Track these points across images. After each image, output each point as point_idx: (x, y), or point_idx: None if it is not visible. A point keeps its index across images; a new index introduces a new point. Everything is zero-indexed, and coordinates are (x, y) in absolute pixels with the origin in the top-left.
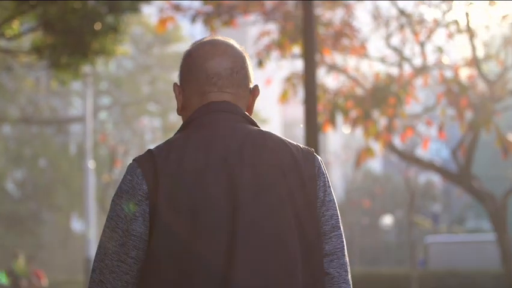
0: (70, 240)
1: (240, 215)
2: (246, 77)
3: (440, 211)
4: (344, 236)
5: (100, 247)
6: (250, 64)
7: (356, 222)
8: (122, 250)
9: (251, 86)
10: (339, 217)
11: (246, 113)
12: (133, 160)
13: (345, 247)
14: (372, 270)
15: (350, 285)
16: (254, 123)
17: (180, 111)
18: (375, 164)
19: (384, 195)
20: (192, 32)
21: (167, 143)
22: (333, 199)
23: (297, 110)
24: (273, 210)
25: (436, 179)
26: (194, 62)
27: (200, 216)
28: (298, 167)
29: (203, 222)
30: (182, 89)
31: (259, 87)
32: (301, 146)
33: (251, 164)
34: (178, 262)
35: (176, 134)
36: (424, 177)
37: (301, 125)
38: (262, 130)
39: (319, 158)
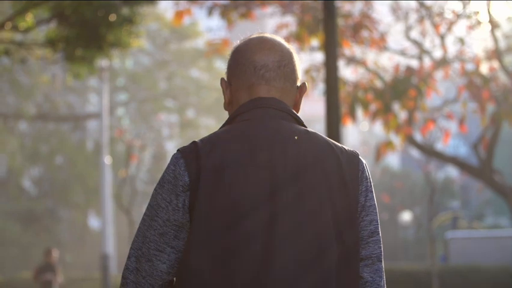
0: (86, 237)
1: (279, 218)
2: (293, 72)
3: (458, 207)
4: (381, 242)
5: (137, 235)
6: (299, 62)
7: None
8: (161, 239)
9: (298, 83)
10: (379, 222)
11: (293, 110)
12: (177, 150)
13: (382, 253)
14: (393, 266)
15: None
16: (301, 122)
17: (227, 105)
18: (393, 160)
19: (403, 191)
20: (208, 26)
21: (212, 136)
22: (374, 204)
23: (315, 106)
24: (313, 215)
25: (455, 174)
26: (242, 55)
27: (239, 215)
28: (342, 170)
29: (241, 222)
30: (229, 83)
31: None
32: (346, 148)
33: (294, 163)
34: (214, 254)
35: (222, 127)
36: (442, 173)
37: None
38: (308, 130)
39: (363, 161)
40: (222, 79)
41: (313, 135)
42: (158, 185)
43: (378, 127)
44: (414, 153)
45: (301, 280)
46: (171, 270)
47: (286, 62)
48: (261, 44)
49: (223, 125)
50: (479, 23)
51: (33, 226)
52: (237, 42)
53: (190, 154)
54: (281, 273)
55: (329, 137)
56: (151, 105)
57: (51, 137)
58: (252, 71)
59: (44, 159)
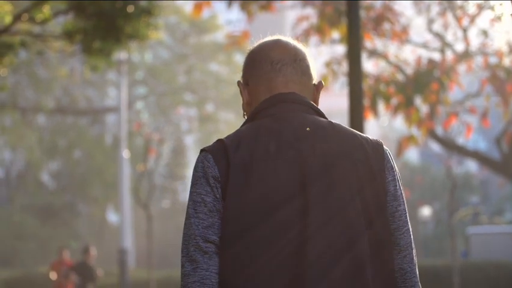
0: (105, 231)
1: (311, 210)
2: (309, 68)
3: (478, 203)
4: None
5: (183, 241)
6: (313, 62)
7: None
8: (209, 231)
9: (315, 81)
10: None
11: (314, 104)
12: (202, 150)
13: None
14: None
15: (418, 277)
16: (323, 115)
17: (246, 106)
18: (413, 155)
19: (422, 186)
20: (228, 18)
21: (237, 132)
22: (403, 193)
23: (336, 100)
24: (344, 206)
25: (474, 169)
26: (257, 54)
27: (271, 207)
28: (368, 160)
29: (274, 214)
30: (247, 83)
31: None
32: (370, 138)
33: (322, 155)
34: (247, 246)
35: (243, 124)
36: (462, 168)
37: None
38: (332, 122)
39: (388, 150)
40: (239, 81)
41: (339, 127)
42: (191, 186)
43: (398, 122)
44: (435, 147)
45: (335, 268)
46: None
47: (301, 57)
48: (276, 42)
49: (245, 122)
50: (502, 15)
51: (51, 220)
52: (251, 46)
53: (217, 151)
54: (315, 262)
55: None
56: (170, 99)
57: (70, 130)
58: (269, 66)
59: (62, 153)
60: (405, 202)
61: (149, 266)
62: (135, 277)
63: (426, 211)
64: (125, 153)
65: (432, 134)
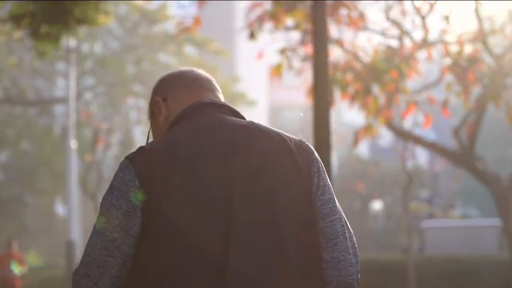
0: (53, 224)
1: (235, 202)
2: (220, 95)
3: (429, 197)
4: (345, 220)
5: (89, 242)
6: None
7: (347, 207)
8: (112, 245)
9: None
10: (336, 201)
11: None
12: (125, 158)
13: (347, 230)
14: (367, 256)
15: (357, 267)
16: (243, 117)
17: (164, 122)
18: (363, 150)
19: (373, 180)
20: (179, 4)
21: (161, 140)
22: (329, 184)
23: (283, 95)
24: (268, 196)
25: (425, 163)
26: (175, 75)
27: (196, 205)
28: (292, 153)
29: (199, 211)
30: (165, 98)
31: (251, 63)
32: (293, 136)
33: (244, 150)
34: (175, 251)
35: (166, 132)
36: (414, 163)
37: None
38: (253, 121)
39: (311, 146)
40: (153, 102)
41: (259, 126)
42: (107, 193)
43: (348, 116)
44: (385, 141)
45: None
46: (119, 274)
47: (215, 82)
48: (191, 69)
49: (168, 129)
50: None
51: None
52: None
53: (139, 158)
54: (239, 262)
55: (316, 123)
56: (119, 89)
57: (18, 121)
58: (189, 81)
59: (10, 144)
60: (332, 193)
61: None
62: None
63: (377, 205)
64: (73, 144)
65: (389, 125)
